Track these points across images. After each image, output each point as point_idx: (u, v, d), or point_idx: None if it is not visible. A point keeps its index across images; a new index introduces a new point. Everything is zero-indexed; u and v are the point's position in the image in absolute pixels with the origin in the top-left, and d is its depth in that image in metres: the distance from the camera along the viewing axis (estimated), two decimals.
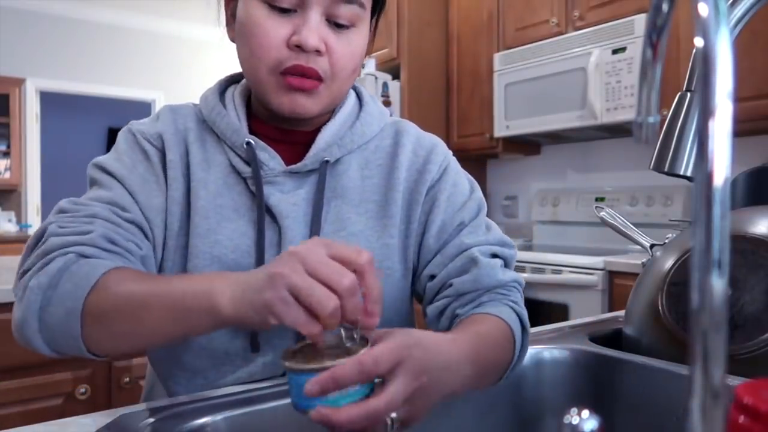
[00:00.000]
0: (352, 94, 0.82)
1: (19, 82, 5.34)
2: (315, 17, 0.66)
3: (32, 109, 5.47)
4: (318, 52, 0.67)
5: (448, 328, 0.73)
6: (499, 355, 0.65)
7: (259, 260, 0.70)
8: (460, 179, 0.82)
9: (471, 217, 0.78)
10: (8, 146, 5.33)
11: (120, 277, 0.59)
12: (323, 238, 0.50)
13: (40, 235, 0.64)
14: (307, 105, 0.69)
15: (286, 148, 0.75)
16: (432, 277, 0.77)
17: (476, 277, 0.72)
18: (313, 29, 0.66)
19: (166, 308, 0.55)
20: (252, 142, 0.72)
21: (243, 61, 0.71)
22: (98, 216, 0.65)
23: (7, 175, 5.35)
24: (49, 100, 5.89)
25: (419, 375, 0.49)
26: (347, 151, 0.76)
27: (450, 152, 0.84)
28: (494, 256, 0.76)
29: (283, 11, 0.67)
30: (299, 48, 0.66)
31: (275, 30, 0.66)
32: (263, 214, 0.71)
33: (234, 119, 0.75)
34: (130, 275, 0.60)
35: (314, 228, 0.72)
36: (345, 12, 0.68)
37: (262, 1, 0.67)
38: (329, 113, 0.78)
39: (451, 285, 0.74)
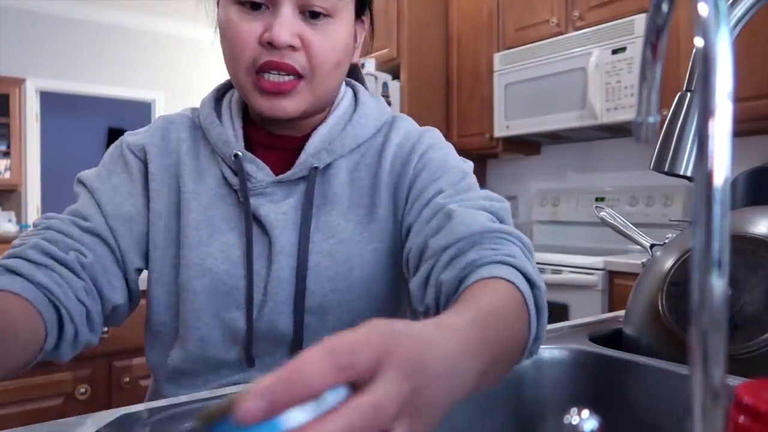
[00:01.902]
0: (349, 94, 0.78)
1: (19, 82, 5.34)
2: (286, 12, 0.64)
3: (32, 109, 5.47)
4: (292, 47, 0.65)
5: (436, 301, 0.60)
6: (513, 330, 0.49)
7: (249, 272, 0.70)
8: (448, 156, 0.73)
9: (453, 182, 0.69)
10: (8, 146, 5.32)
11: None
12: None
13: None
14: (287, 106, 0.67)
15: (277, 154, 0.74)
16: (411, 249, 0.66)
17: (451, 229, 0.61)
18: (285, 25, 0.64)
19: None
20: (240, 154, 0.71)
21: (226, 64, 0.70)
22: (51, 228, 0.67)
23: (7, 175, 5.34)
24: (49, 100, 5.88)
25: (415, 373, 0.32)
26: (337, 155, 0.73)
27: (441, 139, 0.76)
28: (479, 210, 0.65)
29: (255, 8, 0.65)
30: (271, 45, 0.64)
31: (248, 28, 0.65)
32: (251, 226, 0.70)
33: (226, 130, 0.73)
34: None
35: (303, 237, 0.70)
36: (319, 1, 0.65)
37: (234, 1, 0.66)
38: (322, 114, 0.75)
39: (428, 247, 0.62)
